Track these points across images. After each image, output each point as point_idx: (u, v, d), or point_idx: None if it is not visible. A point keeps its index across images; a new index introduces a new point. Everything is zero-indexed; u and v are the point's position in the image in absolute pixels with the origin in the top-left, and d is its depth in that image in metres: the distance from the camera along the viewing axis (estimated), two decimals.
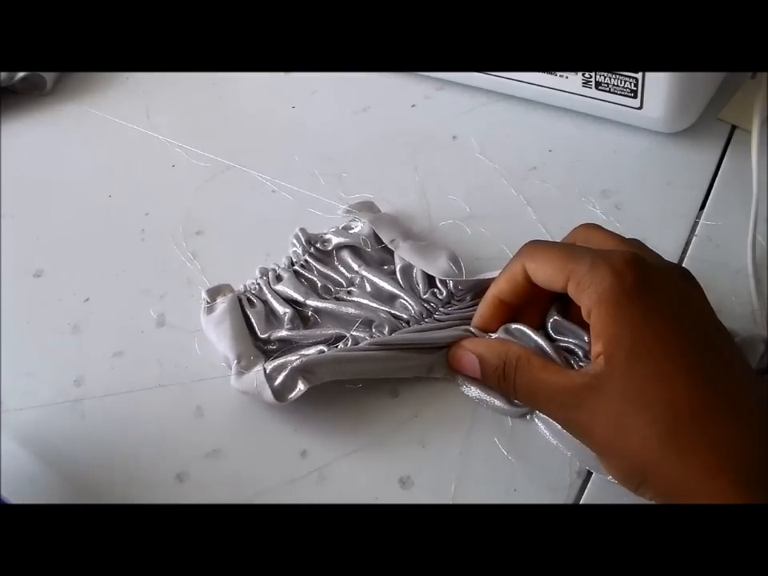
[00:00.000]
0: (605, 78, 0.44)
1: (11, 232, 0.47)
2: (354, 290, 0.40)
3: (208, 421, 0.37)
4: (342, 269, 0.41)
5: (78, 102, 0.55)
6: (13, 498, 0.34)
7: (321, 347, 0.37)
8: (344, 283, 0.41)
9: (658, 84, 0.43)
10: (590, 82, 0.45)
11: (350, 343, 0.37)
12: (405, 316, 0.38)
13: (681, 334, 0.30)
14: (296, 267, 0.41)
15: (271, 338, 0.38)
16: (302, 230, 0.42)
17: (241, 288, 0.40)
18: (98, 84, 0.56)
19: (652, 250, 0.33)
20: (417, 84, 0.52)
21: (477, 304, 0.37)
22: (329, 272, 0.41)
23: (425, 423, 0.36)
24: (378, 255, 0.42)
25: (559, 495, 0.33)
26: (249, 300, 0.40)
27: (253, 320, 0.39)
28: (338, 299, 0.40)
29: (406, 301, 0.39)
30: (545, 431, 0.35)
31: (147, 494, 0.35)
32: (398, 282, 0.40)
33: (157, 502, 0.34)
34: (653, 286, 0.30)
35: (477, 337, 0.36)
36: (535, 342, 0.34)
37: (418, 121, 0.51)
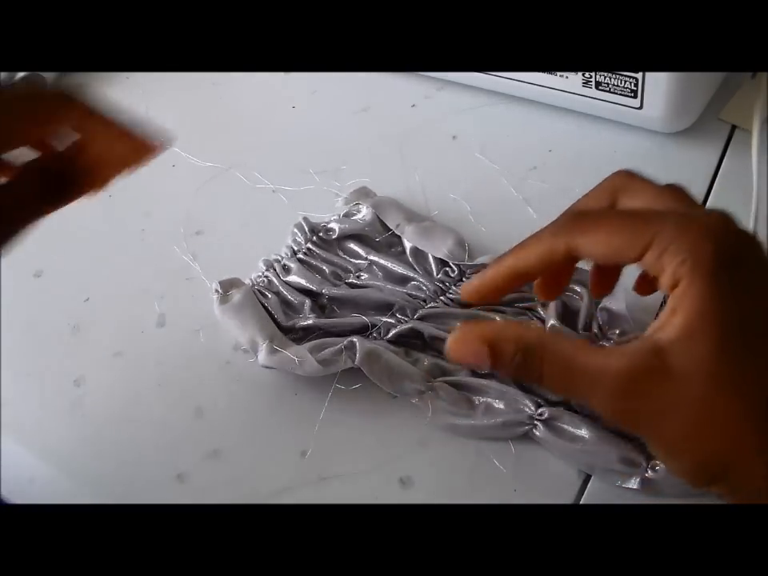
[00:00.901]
0: (605, 77, 0.44)
1: None
2: (363, 274, 0.41)
3: (208, 421, 0.37)
4: (344, 256, 0.42)
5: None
6: (13, 497, 0.34)
7: (352, 337, 0.37)
8: (351, 269, 0.41)
9: (658, 84, 0.43)
10: (590, 82, 0.45)
11: (383, 331, 0.38)
12: (421, 295, 0.39)
13: None
14: (299, 255, 0.41)
15: (297, 326, 0.38)
16: (306, 218, 0.42)
17: (248, 282, 0.40)
18: (98, 84, 0.56)
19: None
20: (417, 84, 0.52)
21: None
22: (333, 259, 0.41)
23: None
24: (384, 240, 0.42)
25: (559, 495, 0.33)
26: (261, 293, 0.40)
27: (272, 310, 0.39)
28: (350, 285, 0.40)
29: (420, 281, 0.39)
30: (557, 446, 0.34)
31: (147, 494, 0.35)
32: (410, 264, 0.40)
33: (157, 501, 0.34)
34: (750, 255, 0.26)
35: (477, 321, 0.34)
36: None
37: (418, 121, 0.51)
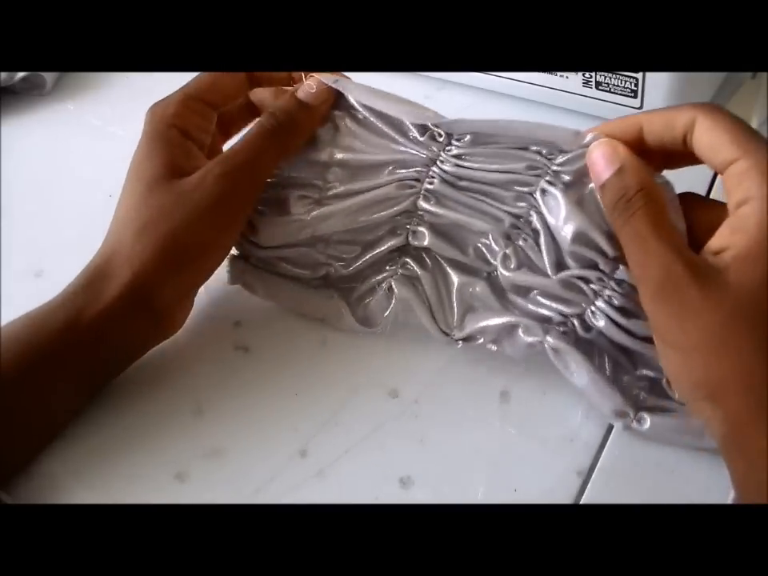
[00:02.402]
0: (605, 78, 0.44)
1: (11, 232, 0.47)
2: (335, 185, 0.37)
3: (208, 421, 0.37)
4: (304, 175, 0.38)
5: (78, 102, 0.55)
6: (13, 497, 0.34)
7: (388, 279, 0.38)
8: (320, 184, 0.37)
9: (658, 84, 0.43)
10: (590, 82, 0.45)
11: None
12: (412, 173, 0.36)
13: None
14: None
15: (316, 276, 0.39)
16: None
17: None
18: (98, 84, 0.56)
19: None
20: (417, 84, 0.52)
21: (489, 151, 0.34)
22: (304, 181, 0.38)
23: (425, 422, 0.36)
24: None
25: (559, 495, 0.33)
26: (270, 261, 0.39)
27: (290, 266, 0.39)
28: (320, 203, 0.37)
29: (406, 149, 0.35)
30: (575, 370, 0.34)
31: (147, 494, 0.35)
32: (383, 130, 0.36)
33: (157, 501, 0.34)
34: None
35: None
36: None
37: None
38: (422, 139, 0.35)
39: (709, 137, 0.30)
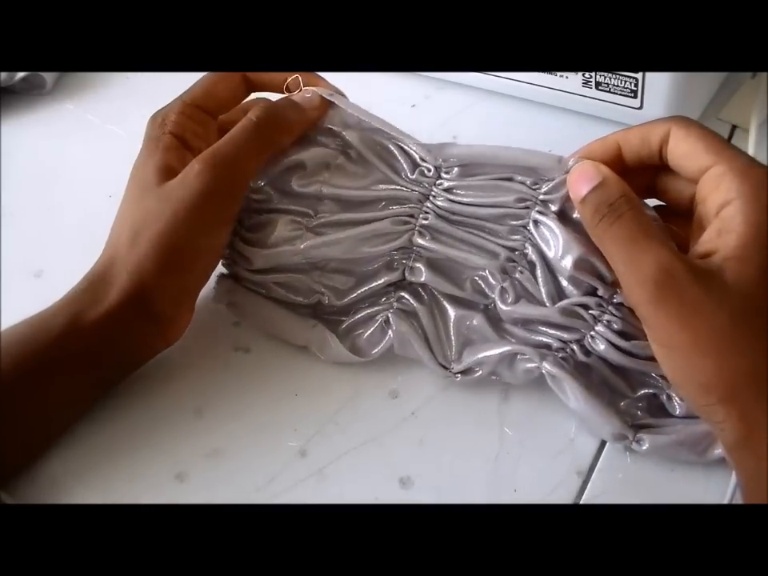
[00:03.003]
0: (605, 78, 0.44)
1: (11, 232, 0.47)
2: (324, 213, 0.37)
3: (208, 421, 0.37)
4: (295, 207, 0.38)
5: (77, 102, 0.55)
6: (13, 497, 0.34)
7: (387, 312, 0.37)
8: (311, 213, 0.37)
9: (658, 84, 0.43)
10: (590, 81, 0.45)
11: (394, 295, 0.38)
12: (406, 209, 0.36)
13: None
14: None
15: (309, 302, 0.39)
16: None
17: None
18: (98, 84, 0.56)
19: None
20: (417, 84, 0.52)
21: (477, 184, 0.35)
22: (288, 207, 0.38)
23: (424, 423, 0.36)
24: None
25: (559, 495, 0.33)
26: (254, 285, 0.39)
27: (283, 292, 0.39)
28: (315, 232, 0.37)
29: (399, 187, 0.36)
30: (571, 394, 0.34)
31: (147, 494, 0.35)
32: (376, 168, 0.37)
33: (157, 501, 0.34)
34: None
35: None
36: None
37: (418, 121, 0.51)
38: (413, 177, 0.36)
39: (683, 146, 0.30)
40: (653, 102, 0.44)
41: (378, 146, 0.37)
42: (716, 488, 0.32)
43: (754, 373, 0.27)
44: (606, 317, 0.33)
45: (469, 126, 0.49)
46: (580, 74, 0.45)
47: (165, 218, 0.35)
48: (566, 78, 0.46)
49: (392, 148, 0.37)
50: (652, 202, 0.34)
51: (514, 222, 0.35)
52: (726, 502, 0.31)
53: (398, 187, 0.37)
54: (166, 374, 0.39)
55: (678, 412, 0.34)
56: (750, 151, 0.43)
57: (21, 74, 0.54)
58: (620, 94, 0.44)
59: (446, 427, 0.36)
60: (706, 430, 0.32)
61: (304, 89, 0.38)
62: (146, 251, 0.35)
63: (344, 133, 0.37)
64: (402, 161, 0.37)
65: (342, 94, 0.39)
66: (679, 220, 0.33)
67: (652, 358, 0.31)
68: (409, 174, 0.36)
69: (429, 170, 0.36)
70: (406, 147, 0.37)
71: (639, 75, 0.43)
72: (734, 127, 0.47)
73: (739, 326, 0.27)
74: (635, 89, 0.44)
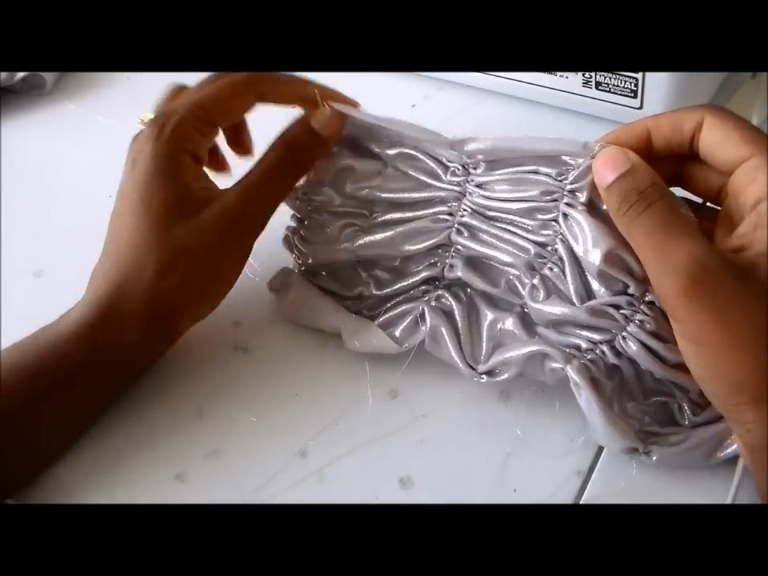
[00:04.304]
0: (605, 78, 0.44)
1: (11, 231, 0.47)
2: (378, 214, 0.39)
3: (208, 421, 0.37)
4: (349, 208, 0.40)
5: (77, 102, 0.55)
6: (15, 498, 0.34)
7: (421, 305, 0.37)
8: (366, 213, 0.39)
9: (658, 84, 0.43)
10: (590, 82, 0.45)
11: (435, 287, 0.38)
12: (445, 208, 0.37)
13: None
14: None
15: (363, 294, 0.39)
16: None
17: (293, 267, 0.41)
18: (98, 84, 0.56)
19: None
20: (417, 84, 0.52)
21: (505, 177, 0.35)
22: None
23: (425, 423, 0.36)
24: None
25: (559, 495, 0.33)
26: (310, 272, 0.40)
27: (328, 286, 0.39)
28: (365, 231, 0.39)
29: (440, 187, 0.37)
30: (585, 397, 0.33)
31: (147, 495, 0.35)
32: (417, 176, 0.38)
33: (157, 501, 0.34)
34: None
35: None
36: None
37: (418, 121, 0.50)
38: (446, 178, 0.37)
39: (718, 135, 0.29)
40: (653, 102, 0.44)
41: (408, 158, 0.38)
42: (717, 488, 0.32)
43: None
44: (639, 316, 0.32)
45: (469, 126, 0.49)
46: (580, 74, 0.45)
47: (201, 253, 0.35)
48: (566, 78, 0.46)
49: (421, 156, 0.38)
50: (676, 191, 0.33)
51: (544, 217, 0.34)
52: (727, 502, 0.31)
53: (437, 190, 0.37)
54: (166, 374, 0.39)
55: (686, 423, 0.33)
56: None
57: (21, 74, 0.54)
58: (620, 94, 0.44)
59: (446, 427, 0.36)
60: (713, 434, 0.32)
61: (322, 104, 0.38)
62: (177, 284, 0.35)
63: (378, 151, 0.39)
64: (433, 165, 0.37)
65: (356, 104, 0.39)
66: (700, 212, 0.31)
67: (680, 365, 0.30)
68: (443, 176, 0.37)
69: (458, 170, 0.36)
70: (431, 153, 0.37)
71: (639, 75, 0.43)
72: None
73: None
74: (635, 89, 0.44)
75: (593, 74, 0.44)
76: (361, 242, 0.38)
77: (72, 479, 0.35)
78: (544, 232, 0.35)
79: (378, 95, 0.51)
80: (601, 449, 0.35)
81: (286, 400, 0.37)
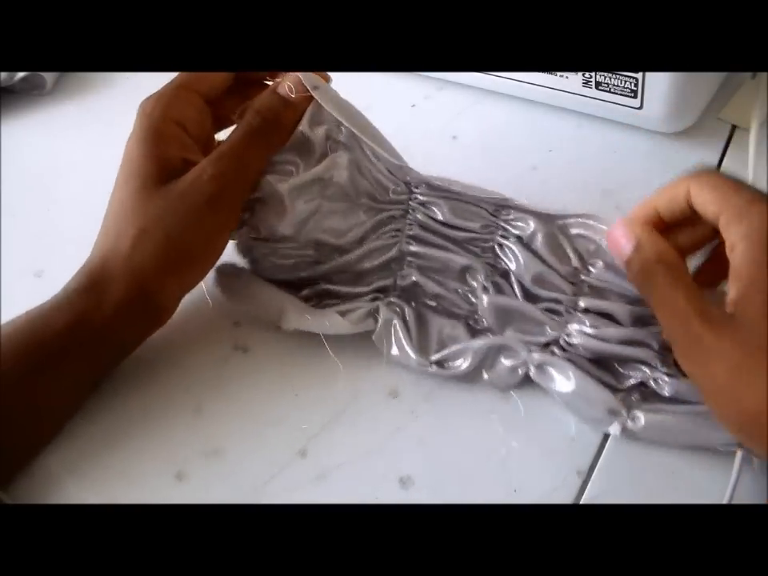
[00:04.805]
0: (605, 78, 0.44)
1: (12, 231, 0.47)
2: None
3: (208, 420, 0.37)
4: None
5: (78, 102, 0.55)
6: (11, 497, 0.34)
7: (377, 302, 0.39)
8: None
9: (658, 84, 0.43)
10: (590, 82, 0.45)
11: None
12: (392, 227, 0.39)
13: None
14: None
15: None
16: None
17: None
18: (98, 84, 0.56)
19: None
20: (417, 84, 0.52)
21: (448, 204, 0.37)
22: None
23: (424, 422, 0.36)
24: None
25: (559, 495, 0.33)
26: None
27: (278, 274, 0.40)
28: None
29: (384, 208, 0.38)
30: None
31: (146, 494, 0.35)
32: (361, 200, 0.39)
33: (156, 501, 0.34)
34: None
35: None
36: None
37: (418, 121, 0.51)
38: (391, 197, 0.38)
39: (700, 199, 0.31)
40: (653, 102, 0.44)
41: (359, 166, 0.39)
42: (716, 488, 0.32)
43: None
44: (578, 315, 0.36)
45: (469, 125, 0.49)
46: (580, 74, 0.45)
47: (175, 220, 0.35)
48: (566, 78, 0.46)
49: (370, 167, 0.39)
50: None
51: (484, 244, 0.38)
52: (725, 502, 0.31)
53: (380, 212, 0.39)
54: (166, 373, 0.39)
55: (667, 392, 0.34)
56: (750, 151, 0.43)
57: (21, 74, 0.54)
58: (620, 94, 0.45)
59: (445, 427, 0.36)
60: (705, 410, 0.33)
61: (287, 77, 0.38)
62: (153, 251, 0.35)
63: (334, 155, 0.39)
64: (380, 178, 0.39)
65: (327, 78, 0.39)
66: None
67: (630, 343, 0.34)
68: (389, 195, 0.39)
69: (399, 187, 0.38)
70: (378, 165, 0.39)
71: (639, 75, 0.43)
72: (734, 127, 0.47)
73: (754, 361, 0.28)
74: (635, 89, 0.44)
75: (593, 74, 0.44)
76: (315, 268, 0.39)
77: (72, 479, 0.35)
78: (485, 255, 0.38)
79: (378, 95, 0.51)
80: (601, 449, 0.35)
81: (286, 400, 0.37)
